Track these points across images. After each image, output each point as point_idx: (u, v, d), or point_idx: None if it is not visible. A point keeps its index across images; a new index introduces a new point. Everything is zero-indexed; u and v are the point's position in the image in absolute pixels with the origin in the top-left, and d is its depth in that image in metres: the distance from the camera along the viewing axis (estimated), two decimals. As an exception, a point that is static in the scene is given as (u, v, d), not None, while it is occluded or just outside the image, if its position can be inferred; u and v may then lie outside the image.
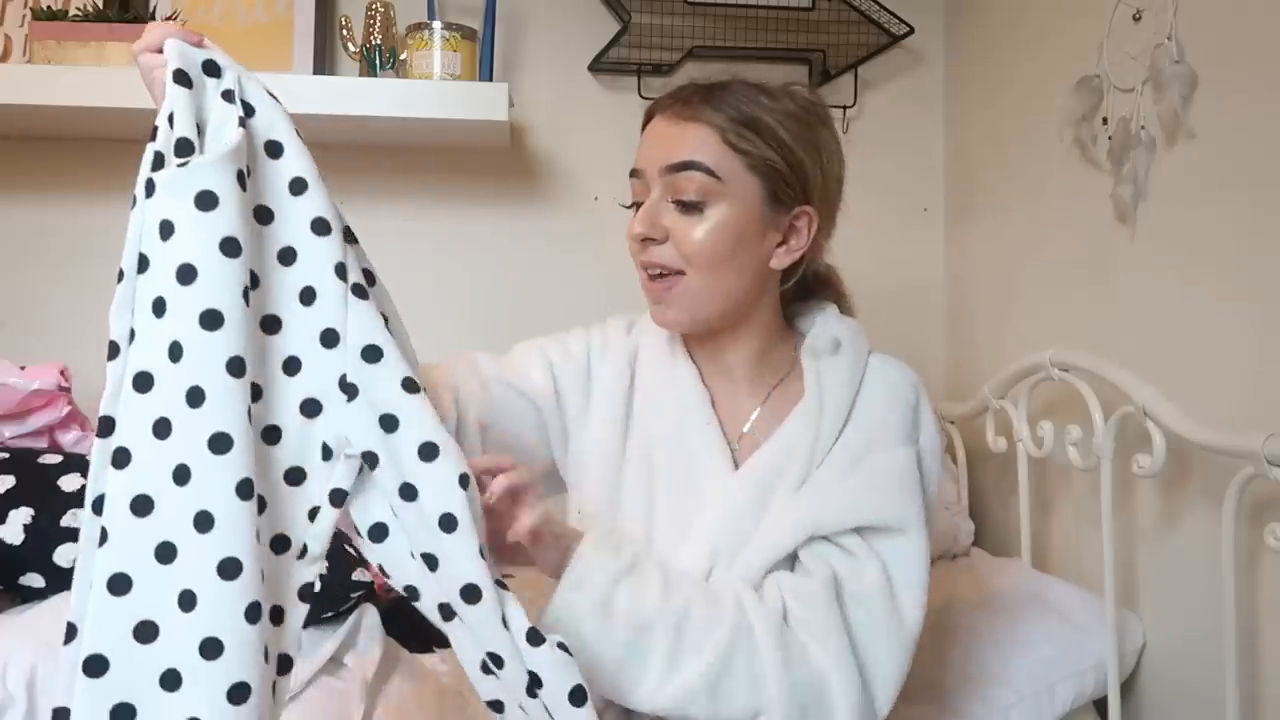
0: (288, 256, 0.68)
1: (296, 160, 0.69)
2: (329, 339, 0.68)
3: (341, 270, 0.69)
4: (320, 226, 0.69)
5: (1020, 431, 1.40)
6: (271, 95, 0.70)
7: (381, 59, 1.54)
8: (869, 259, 1.86)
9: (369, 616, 1.16)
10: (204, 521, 0.61)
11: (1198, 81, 1.14)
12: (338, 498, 0.67)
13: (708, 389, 0.96)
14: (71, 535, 1.11)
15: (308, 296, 0.68)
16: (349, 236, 0.72)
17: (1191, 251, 1.17)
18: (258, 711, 0.62)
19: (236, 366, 0.63)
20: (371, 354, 0.68)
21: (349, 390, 0.68)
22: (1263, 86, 1.06)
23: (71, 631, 0.62)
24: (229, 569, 0.61)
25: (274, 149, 0.69)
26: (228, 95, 0.67)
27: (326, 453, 0.68)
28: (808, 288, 1.03)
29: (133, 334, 0.63)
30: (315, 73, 1.59)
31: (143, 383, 0.62)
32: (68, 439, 1.31)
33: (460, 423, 0.90)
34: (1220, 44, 1.12)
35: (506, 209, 1.73)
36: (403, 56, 1.54)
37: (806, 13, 1.70)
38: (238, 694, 0.61)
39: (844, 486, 0.88)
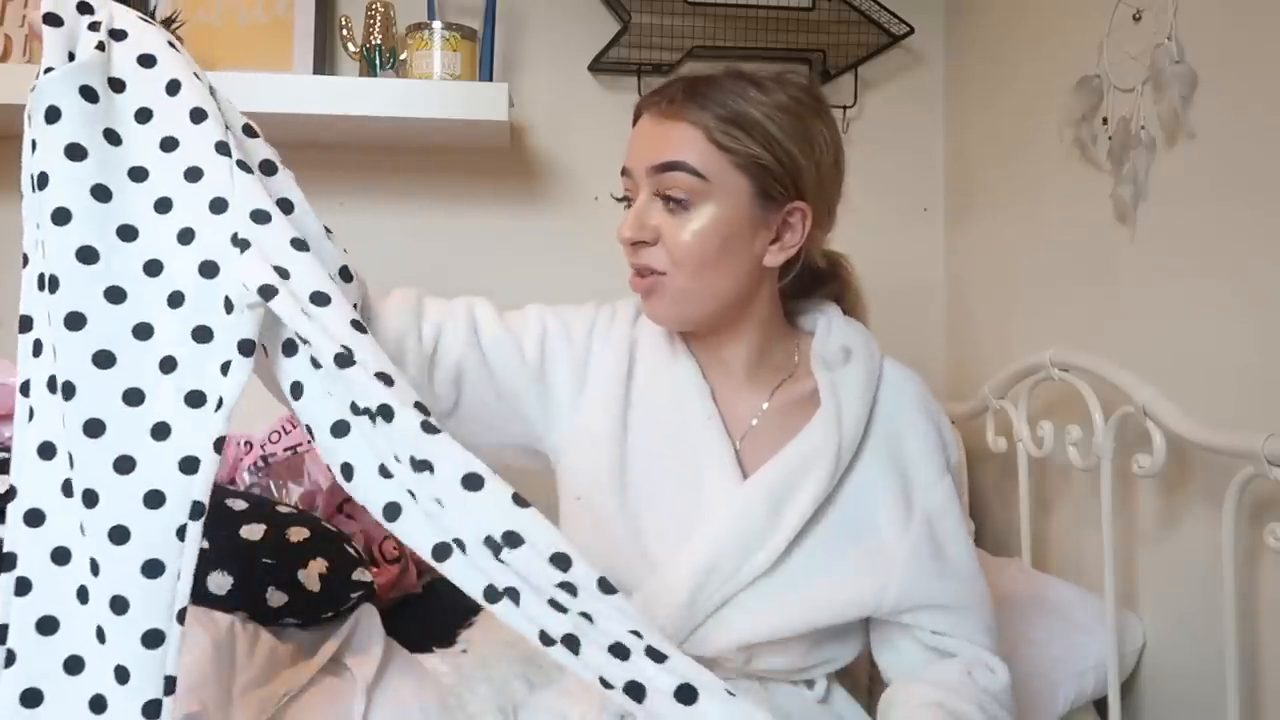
0: (169, 144, 0.75)
1: (170, 66, 0.77)
2: (218, 206, 0.75)
3: (223, 148, 0.75)
4: (197, 115, 0.75)
5: (1020, 431, 1.40)
6: (145, 20, 0.78)
7: (381, 59, 1.54)
8: (869, 259, 1.85)
9: (369, 616, 1.16)
10: (67, 390, 0.70)
11: (1198, 81, 1.14)
12: (245, 347, 0.73)
13: (708, 383, 0.95)
14: (71, 535, 1.11)
15: (193, 175, 0.75)
16: (249, 132, 0.80)
17: (1191, 251, 1.17)
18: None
19: (85, 253, 0.71)
20: (260, 216, 0.75)
21: (241, 245, 0.74)
22: (1263, 86, 1.06)
23: (11, 494, 0.71)
24: (92, 428, 0.70)
25: (147, 60, 0.76)
26: (94, 26, 0.74)
27: (229, 306, 0.73)
28: (807, 283, 1.02)
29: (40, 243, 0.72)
30: (315, 73, 1.59)
31: (41, 281, 0.72)
32: (68, 439, 1.31)
33: (434, 362, 0.91)
34: (1220, 44, 1.12)
35: (506, 209, 1.73)
36: (403, 56, 1.54)
37: (806, 13, 1.70)
38: (154, 500, 0.70)
39: (917, 559, 0.89)
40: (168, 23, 1.44)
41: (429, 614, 1.26)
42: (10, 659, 0.69)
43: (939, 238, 1.84)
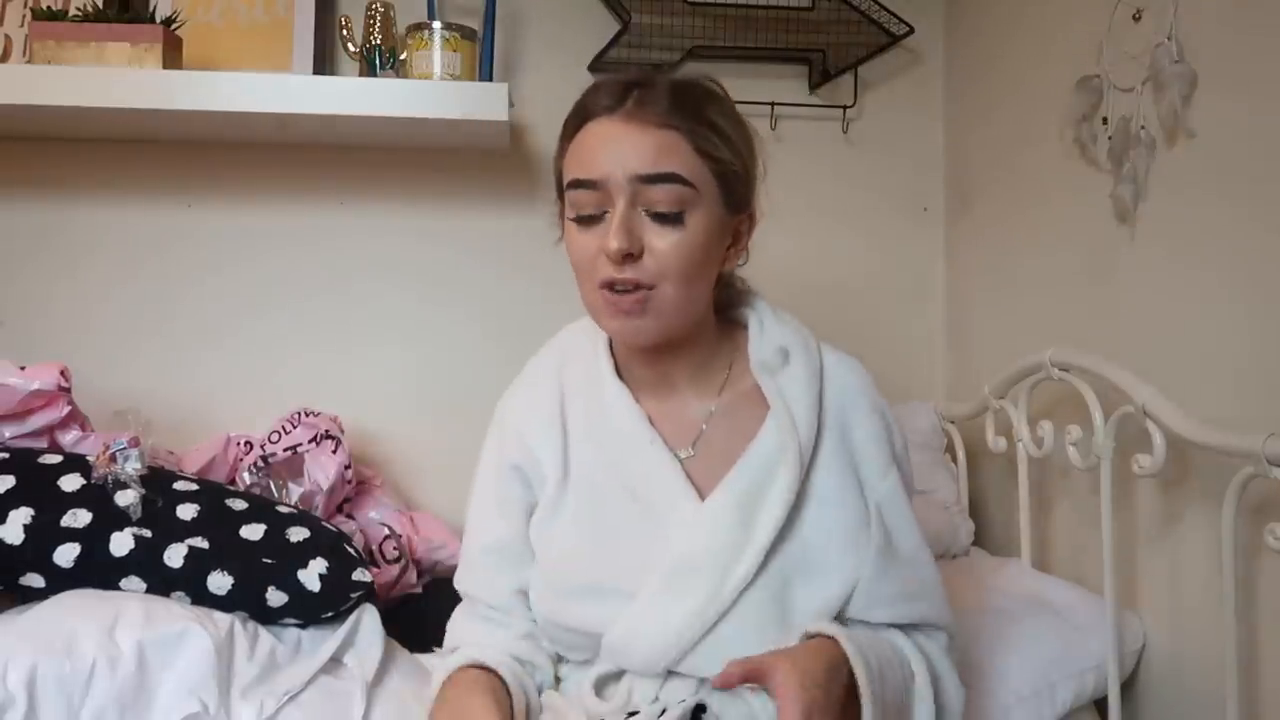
0: None
1: None
2: None
3: None
4: None
5: (1020, 431, 1.40)
6: None
7: (381, 59, 1.54)
8: (869, 259, 1.86)
9: (369, 616, 1.16)
10: None
11: (1198, 81, 1.14)
12: None
13: (642, 407, 0.93)
14: (71, 535, 1.11)
15: None
16: None
17: (1191, 251, 1.17)
18: None
19: None
20: None
21: None
22: (1263, 86, 1.06)
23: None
24: None
25: None
26: None
27: None
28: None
29: None
30: (315, 73, 1.58)
31: None
32: (68, 439, 1.31)
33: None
34: (1220, 44, 1.12)
35: (506, 209, 1.73)
36: (403, 56, 1.53)
37: (806, 13, 1.70)
38: None
39: (874, 561, 0.89)
40: (168, 23, 1.44)
41: (429, 614, 1.26)
42: None
43: (939, 238, 1.84)
